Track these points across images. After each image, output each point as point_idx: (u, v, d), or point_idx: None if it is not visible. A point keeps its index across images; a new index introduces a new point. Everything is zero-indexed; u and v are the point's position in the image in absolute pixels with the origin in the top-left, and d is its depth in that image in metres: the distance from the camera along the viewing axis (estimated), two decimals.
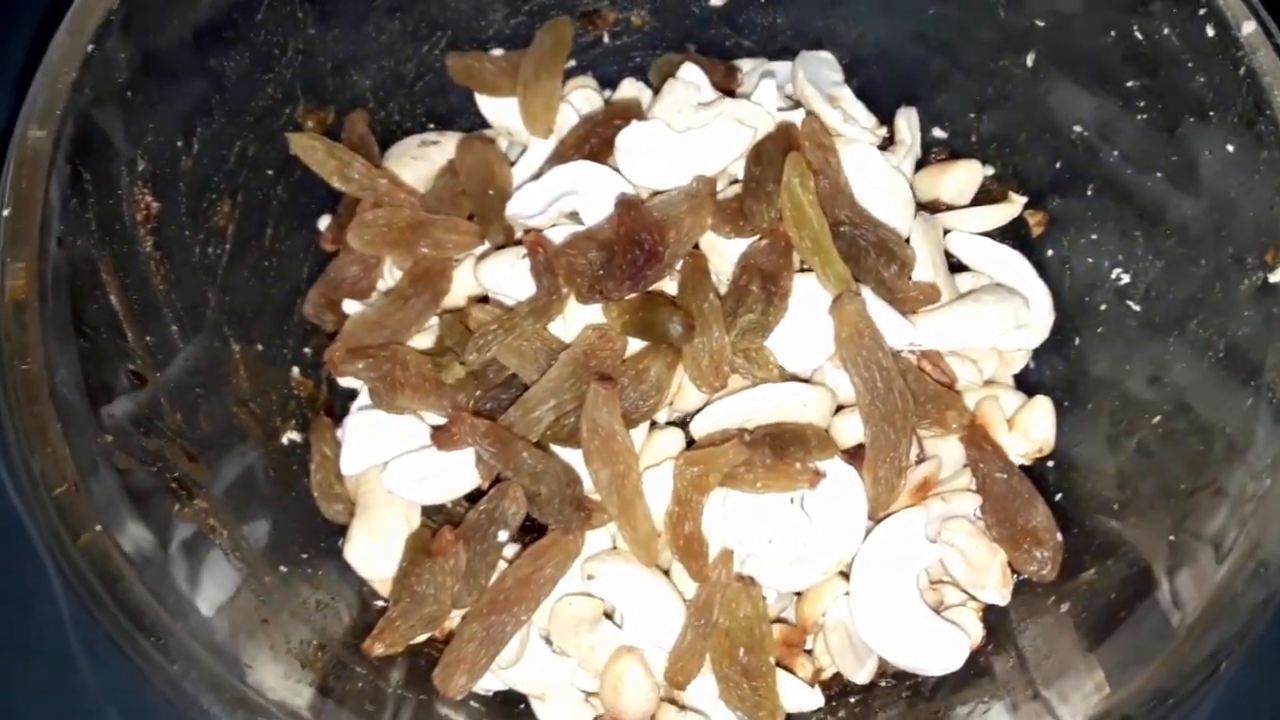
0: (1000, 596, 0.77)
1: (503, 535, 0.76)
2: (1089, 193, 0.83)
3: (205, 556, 0.69)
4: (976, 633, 0.77)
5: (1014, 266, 0.86)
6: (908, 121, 0.90)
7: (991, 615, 0.78)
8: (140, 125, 0.73)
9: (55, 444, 0.61)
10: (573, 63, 0.92)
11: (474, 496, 0.80)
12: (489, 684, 0.78)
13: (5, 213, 0.64)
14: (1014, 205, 0.87)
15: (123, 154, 0.72)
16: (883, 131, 0.89)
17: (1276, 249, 0.68)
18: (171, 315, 0.75)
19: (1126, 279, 0.80)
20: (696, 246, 0.80)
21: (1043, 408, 0.83)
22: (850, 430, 0.78)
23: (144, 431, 0.70)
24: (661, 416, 0.81)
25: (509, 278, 0.80)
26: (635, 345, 0.78)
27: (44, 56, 0.68)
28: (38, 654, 0.89)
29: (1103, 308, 0.82)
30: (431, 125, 0.94)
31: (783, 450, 0.74)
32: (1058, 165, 0.85)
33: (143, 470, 0.67)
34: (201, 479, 0.73)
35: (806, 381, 0.79)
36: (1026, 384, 0.87)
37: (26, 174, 0.65)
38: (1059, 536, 0.77)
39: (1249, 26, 0.69)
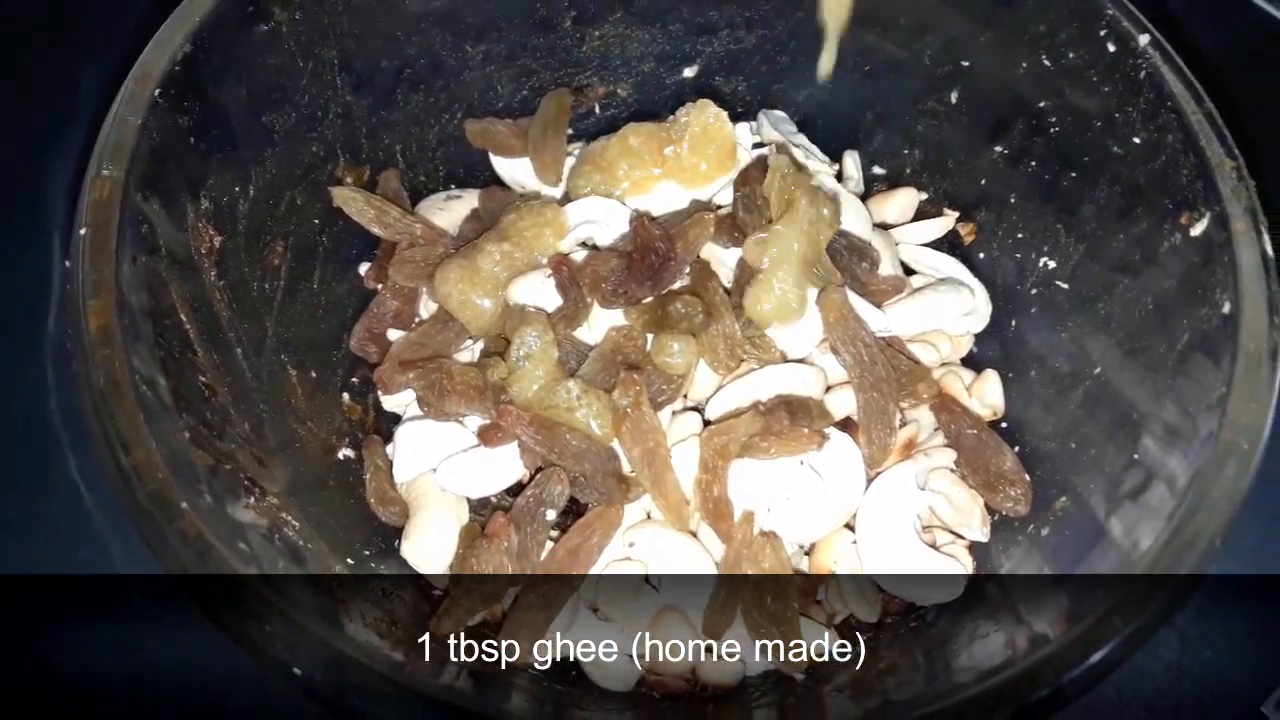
0: (982, 534, 0.70)
1: (550, 515, 0.66)
2: (1012, 200, 0.78)
3: (281, 544, 0.58)
4: (968, 564, 0.69)
5: (954, 269, 0.81)
6: (853, 161, 0.86)
7: (979, 551, 0.70)
8: (202, 168, 0.64)
9: (145, 440, 0.50)
10: (570, 131, 0.86)
11: (514, 492, 0.71)
12: (545, 654, 0.67)
13: (82, 231, 0.55)
14: (948, 219, 0.83)
15: (187, 191, 0.63)
16: (835, 169, 0.84)
17: (1190, 212, 0.64)
18: (235, 339, 0.66)
19: (1053, 264, 0.75)
20: (699, 258, 0.73)
21: (992, 378, 0.77)
22: (838, 405, 0.71)
23: (217, 435, 0.59)
24: (677, 405, 0.73)
25: (537, 294, 0.72)
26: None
27: (113, 101, 0.60)
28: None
29: (1034, 292, 0.77)
30: (452, 185, 0.86)
31: (793, 416, 0.66)
32: (982, 182, 0.81)
33: (219, 466, 0.57)
34: (269, 482, 0.62)
35: (802, 363, 0.72)
36: (971, 364, 0.81)
37: (101, 201, 0.56)
38: (1027, 477, 0.70)
39: (1144, 39, 0.67)
